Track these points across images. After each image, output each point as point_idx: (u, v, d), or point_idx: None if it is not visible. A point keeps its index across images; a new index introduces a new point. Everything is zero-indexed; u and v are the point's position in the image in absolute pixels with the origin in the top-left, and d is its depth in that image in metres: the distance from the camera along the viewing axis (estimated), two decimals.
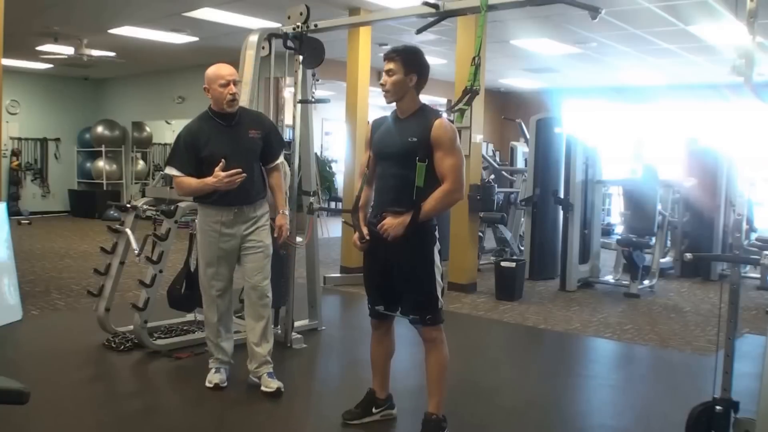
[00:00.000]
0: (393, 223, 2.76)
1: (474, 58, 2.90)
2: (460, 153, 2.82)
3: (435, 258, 2.87)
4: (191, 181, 3.31)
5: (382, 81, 2.84)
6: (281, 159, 3.69)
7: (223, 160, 3.24)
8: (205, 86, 3.36)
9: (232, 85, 3.30)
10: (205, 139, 3.34)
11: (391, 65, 2.82)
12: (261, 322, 3.47)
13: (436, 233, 2.91)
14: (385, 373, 3.14)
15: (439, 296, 2.87)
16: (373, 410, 3.13)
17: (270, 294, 3.52)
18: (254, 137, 3.43)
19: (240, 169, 3.23)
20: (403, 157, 2.78)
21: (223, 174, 3.21)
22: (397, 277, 2.87)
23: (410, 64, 2.82)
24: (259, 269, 3.46)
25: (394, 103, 2.88)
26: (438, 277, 2.87)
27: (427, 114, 2.83)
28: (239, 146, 3.36)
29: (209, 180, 3.24)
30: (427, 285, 2.84)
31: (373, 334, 3.12)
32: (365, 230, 2.91)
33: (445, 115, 2.88)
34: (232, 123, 3.40)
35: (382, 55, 2.90)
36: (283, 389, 3.43)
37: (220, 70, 3.35)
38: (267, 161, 3.54)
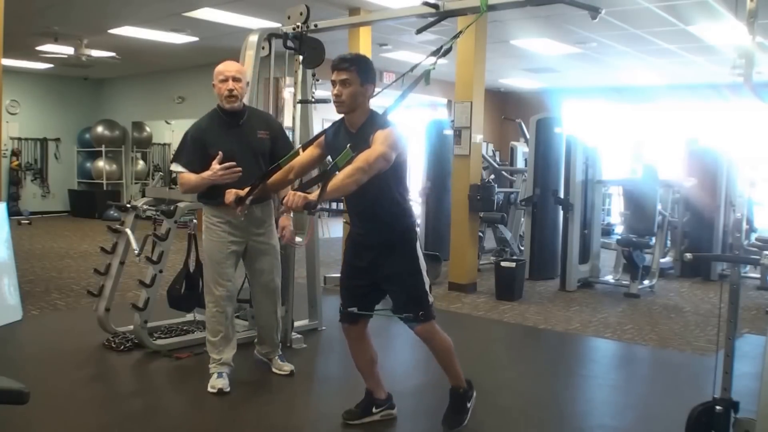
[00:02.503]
0: (293, 198, 2.49)
1: (459, 33, 3.03)
2: (387, 149, 2.61)
3: (419, 254, 2.89)
4: (191, 177, 3.35)
5: (336, 92, 2.75)
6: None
7: (220, 153, 3.27)
8: (213, 83, 3.43)
9: (230, 81, 3.35)
10: (212, 136, 3.39)
11: (345, 75, 2.72)
12: (274, 314, 3.71)
13: (417, 229, 2.93)
14: (376, 377, 3.15)
15: (429, 293, 2.89)
16: (373, 410, 3.14)
17: (279, 287, 3.69)
18: (262, 137, 3.48)
19: (234, 163, 3.26)
20: None
21: (218, 167, 3.25)
22: (384, 277, 2.88)
23: (366, 75, 2.76)
24: (269, 270, 3.60)
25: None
26: (425, 275, 2.89)
27: (375, 125, 2.70)
28: (247, 145, 3.41)
29: (206, 174, 3.28)
30: (416, 282, 2.86)
31: (348, 343, 3.09)
32: (235, 195, 2.92)
33: (390, 120, 2.78)
34: (239, 122, 3.45)
35: (334, 61, 2.77)
36: (294, 371, 3.73)
37: (222, 66, 3.42)
38: (275, 162, 3.56)
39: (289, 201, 2.47)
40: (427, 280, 2.89)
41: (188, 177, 3.37)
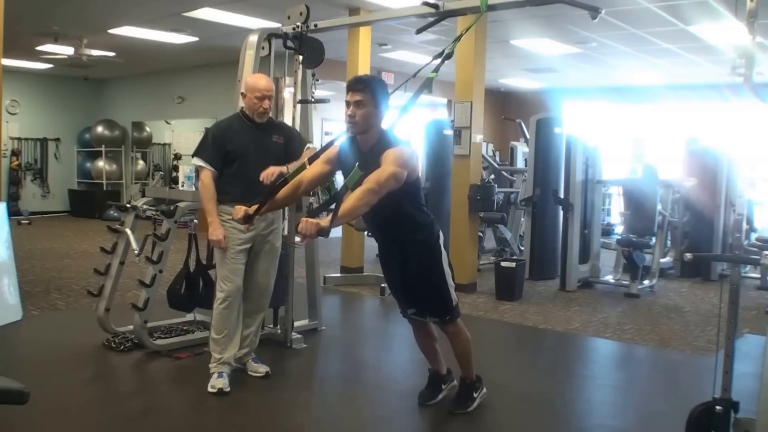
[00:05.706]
0: (306, 225, 2.56)
1: (460, 36, 3.01)
2: (398, 168, 2.68)
3: (444, 268, 3.05)
4: (210, 189, 3.48)
5: (349, 112, 2.81)
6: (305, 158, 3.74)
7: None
8: (243, 92, 3.60)
9: (267, 101, 3.54)
10: (231, 135, 3.57)
11: (360, 96, 2.79)
12: (260, 315, 3.78)
13: (440, 243, 3.05)
14: (437, 354, 3.36)
15: (453, 297, 3.08)
16: (442, 387, 3.37)
17: (272, 290, 3.77)
18: (277, 142, 3.66)
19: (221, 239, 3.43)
20: None
21: (220, 231, 3.42)
22: (414, 288, 3.09)
23: (380, 97, 2.82)
24: (268, 270, 3.69)
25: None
26: (449, 281, 3.06)
27: (386, 144, 2.76)
28: (262, 147, 3.58)
29: (214, 218, 3.44)
30: (442, 293, 3.05)
31: (413, 329, 3.33)
32: (244, 212, 2.95)
33: (402, 141, 2.84)
34: (259, 127, 3.61)
35: (349, 82, 2.85)
36: (270, 373, 3.69)
37: (258, 82, 3.56)
38: (289, 160, 3.64)
39: (302, 229, 2.54)
40: (451, 284, 3.07)
41: (208, 185, 3.48)
